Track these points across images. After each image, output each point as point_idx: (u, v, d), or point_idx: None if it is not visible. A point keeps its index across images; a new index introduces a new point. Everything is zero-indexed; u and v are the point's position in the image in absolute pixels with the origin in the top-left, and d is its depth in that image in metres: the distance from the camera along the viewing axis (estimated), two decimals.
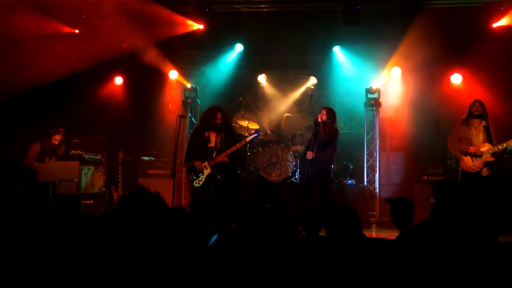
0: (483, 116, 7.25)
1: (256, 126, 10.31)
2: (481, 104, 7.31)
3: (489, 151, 7.03)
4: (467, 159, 7.20)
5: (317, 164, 7.33)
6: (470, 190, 6.99)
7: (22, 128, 9.02)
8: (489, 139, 7.15)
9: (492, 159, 7.05)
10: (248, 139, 7.22)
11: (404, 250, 3.31)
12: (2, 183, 7.18)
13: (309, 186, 7.40)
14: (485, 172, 7.10)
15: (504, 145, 6.96)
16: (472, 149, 7.14)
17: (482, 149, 7.09)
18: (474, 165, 7.13)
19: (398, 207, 4.15)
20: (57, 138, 8.22)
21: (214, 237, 3.23)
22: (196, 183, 6.91)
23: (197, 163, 6.93)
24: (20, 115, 8.97)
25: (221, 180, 6.91)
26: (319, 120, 7.35)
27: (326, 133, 7.38)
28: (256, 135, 7.28)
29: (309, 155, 7.30)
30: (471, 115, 7.29)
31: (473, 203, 6.53)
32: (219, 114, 7.01)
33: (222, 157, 6.86)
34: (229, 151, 6.87)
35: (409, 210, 4.11)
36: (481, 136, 7.19)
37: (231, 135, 7.19)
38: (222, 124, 7.00)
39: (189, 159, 7.17)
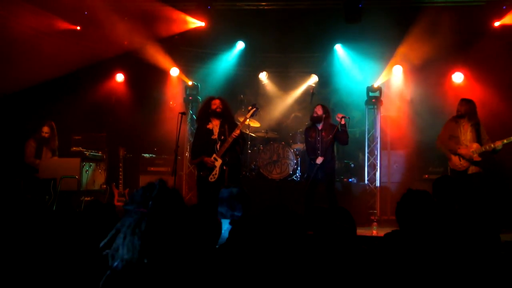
0: (469, 115, 7.21)
1: (257, 124, 10.30)
2: (465, 103, 7.27)
3: (477, 151, 7.05)
4: (455, 158, 7.23)
5: (328, 164, 7.33)
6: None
7: (23, 125, 9.02)
8: (478, 138, 7.15)
9: (479, 159, 7.07)
10: (248, 115, 7.18)
11: (401, 247, 3.31)
12: (3, 179, 7.18)
13: (315, 185, 7.39)
14: (472, 170, 7.12)
15: (492, 145, 6.98)
16: (462, 151, 7.13)
17: (471, 151, 7.09)
18: (461, 163, 7.18)
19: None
20: (44, 130, 8.21)
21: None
22: (211, 178, 6.83)
23: (206, 159, 6.86)
24: (21, 112, 8.96)
25: (226, 172, 6.87)
26: (343, 121, 7.34)
27: (343, 131, 7.40)
28: (255, 109, 7.19)
29: (320, 160, 7.30)
30: (457, 115, 7.32)
31: (472, 202, 6.54)
32: (217, 101, 6.99)
33: (229, 142, 6.81)
34: (234, 135, 6.82)
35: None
36: (468, 135, 7.20)
37: (233, 124, 7.12)
38: (222, 111, 6.96)
39: (196, 155, 7.09)
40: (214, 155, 6.85)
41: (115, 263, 1.84)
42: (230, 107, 7.35)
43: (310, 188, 7.37)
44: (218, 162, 6.83)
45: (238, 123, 7.58)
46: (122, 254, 1.82)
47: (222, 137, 6.90)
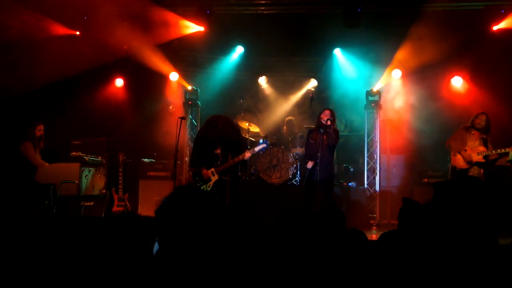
0: (484, 130, 7.46)
1: (256, 129, 10.31)
2: (486, 118, 7.42)
3: (482, 153, 7.18)
4: (459, 157, 7.39)
5: (326, 167, 7.31)
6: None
7: (21, 130, 8.99)
8: (485, 147, 7.38)
9: (482, 160, 7.24)
10: (256, 149, 7.15)
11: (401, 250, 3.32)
12: (3, 184, 7.16)
13: (314, 189, 7.38)
14: (473, 172, 7.25)
15: (507, 149, 7.09)
16: (466, 153, 7.29)
17: (474, 158, 7.23)
18: (464, 162, 7.35)
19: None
20: (40, 129, 8.12)
21: None
22: (204, 188, 6.86)
23: (204, 172, 6.86)
24: (21, 117, 8.95)
25: (226, 181, 6.83)
26: (329, 123, 7.30)
27: (336, 135, 7.40)
28: (264, 146, 7.17)
29: (310, 164, 7.30)
30: (473, 126, 7.44)
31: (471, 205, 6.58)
32: (219, 124, 6.93)
33: (230, 164, 6.79)
34: (236, 159, 6.80)
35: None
36: (476, 143, 7.40)
37: (237, 144, 7.07)
38: (222, 136, 6.89)
39: (195, 164, 7.09)
40: (213, 169, 6.85)
41: None
42: (235, 126, 7.29)
43: (308, 192, 7.37)
44: (215, 178, 6.84)
45: (238, 126, 7.58)
46: None
47: (224, 154, 6.89)
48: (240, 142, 7.32)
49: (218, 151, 6.90)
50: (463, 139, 7.50)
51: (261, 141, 7.26)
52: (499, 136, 7.73)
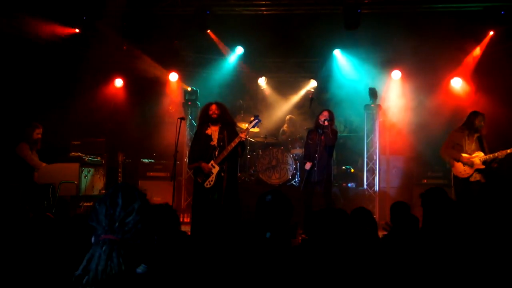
0: (480, 128, 7.35)
1: (256, 129, 10.30)
2: (482, 118, 7.35)
3: (481, 160, 7.14)
4: (459, 165, 7.34)
5: (324, 168, 7.31)
6: (461, 194, 7.19)
7: (20, 131, 8.96)
8: (481, 148, 7.27)
9: (482, 166, 7.18)
10: (250, 126, 7.14)
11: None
12: (2, 185, 7.15)
13: (312, 190, 7.38)
14: (475, 178, 7.22)
15: (496, 154, 7.08)
16: (464, 158, 7.23)
17: (473, 160, 7.18)
18: (465, 170, 7.29)
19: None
20: (39, 132, 8.06)
21: None
22: (207, 184, 6.79)
23: (203, 165, 6.82)
24: (20, 117, 8.93)
25: (224, 179, 6.82)
26: (326, 123, 7.32)
27: (334, 135, 7.41)
28: (257, 121, 7.11)
29: (308, 165, 7.31)
30: (471, 128, 7.31)
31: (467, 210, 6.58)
32: (213, 106, 6.95)
33: (228, 150, 6.77)
34: (233, 144, 6.75)
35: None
36: (473, 145, 7.32)
37: (233, 130, 7.05)
38: (218, 116, 6.90)
39: (193, 159, 7.04)
40: (212, 162, 6.81)
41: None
42: (228, 111, 7.26)
43: (307, 193, 7.37)
44: (215, 169, 6.78)
45: (238, 129, 7.57)
46: (97, 275, 1.73)
47: (221, 144, 6.86)
48: (233, 123, 7.30)
49: (214, 142, 6.88)
50: (458, 144, 7.35)
51: (252, 118, 7.22)
52: (498, 137, 7.71)
